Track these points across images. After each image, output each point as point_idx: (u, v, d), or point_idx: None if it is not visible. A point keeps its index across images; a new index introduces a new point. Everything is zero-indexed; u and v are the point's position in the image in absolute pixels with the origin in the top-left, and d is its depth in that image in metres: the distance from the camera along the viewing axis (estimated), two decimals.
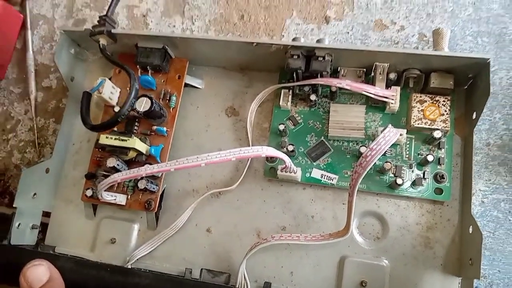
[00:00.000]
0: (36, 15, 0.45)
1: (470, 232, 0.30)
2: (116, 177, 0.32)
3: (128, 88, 0.37)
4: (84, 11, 0.44)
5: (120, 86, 0.38)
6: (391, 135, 0.28)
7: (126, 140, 0.34)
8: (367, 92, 0.32)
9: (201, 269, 0.32)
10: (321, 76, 0.33)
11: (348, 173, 0.33)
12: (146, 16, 0.42)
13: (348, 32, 0.38)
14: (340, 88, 0.33)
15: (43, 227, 0.38)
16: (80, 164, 0.39)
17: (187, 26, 0.41)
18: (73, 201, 0.38)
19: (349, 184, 0.29)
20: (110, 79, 0.37)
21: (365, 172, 0.28)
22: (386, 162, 0.32)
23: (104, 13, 0.36)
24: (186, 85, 0.38)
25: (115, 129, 0.36)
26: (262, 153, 0.30)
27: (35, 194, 0.36)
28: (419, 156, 0.33)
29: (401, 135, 0.31)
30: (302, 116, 0.35)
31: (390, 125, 0.29)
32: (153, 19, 0.42)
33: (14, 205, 0.34)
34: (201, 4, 0.41)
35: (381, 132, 0.29)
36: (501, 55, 0.36)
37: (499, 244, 0.33)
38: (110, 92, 0.36)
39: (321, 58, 0.32)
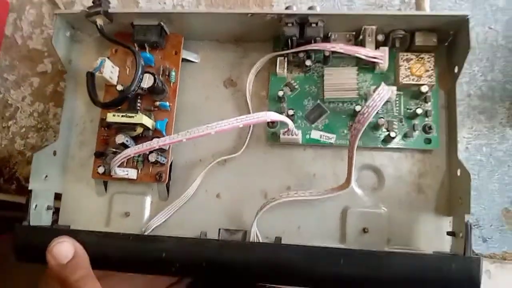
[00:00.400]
0: (22, 0, 0.44)
1: (458, 174, 0.33)
2: (129, 151, 0.33)
3: (126, 67, 0.39)
4: None
5: (118, 65, 0.39)
6: (384, 92, 0.31)
7: (133, 117, 0.35)
8: (360, 54, 0.34)
9: (219, 228, 0.35)
10: (315, 41, 0.35)
11: (345, 131, 0.36)
12: None
13: None
14: (333, 52, 0.36)
15: (55, 210, 0.39)
16: (85, 144, 0.40)
17: (177, 2, 0.42)
18: (83, 180, 0.39)
19: (349, 141, 0.32)
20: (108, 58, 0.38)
21: (363, 128, 0.30)
22: (379, 118, 0.34)
23: None
24: (183, 60, 0.39)
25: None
26: (267, 117, 0.33)
27: (46, 176, 0.37)
28: (408, 110, 0.36)
29: (392, 92, 0.34)
30: (298, 82, 0.37)
31: (383, 83, 0.31)
32: None
33: (29, 188, 0.35)
34: None
35: (374, 90, 0.32)
36: (476, 12, 0.38)
37: (483, 185, 0.36)
38: (110, 71, 0.37)
39: (314, 24, 0.34)
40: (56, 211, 0.39)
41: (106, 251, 0.32)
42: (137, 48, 0.38)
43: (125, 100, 0.33)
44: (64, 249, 0.30)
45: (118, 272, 0.34)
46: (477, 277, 0.28)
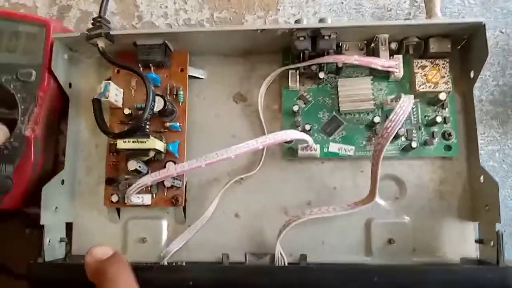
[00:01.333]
0: (15, 4, 0.42)
1: (482, 181, 0.33)
2: (146, 180, 0.32)
3: (131, 88, 0.38)
4: None
5: (121, 86, 0.37)
6: (406, 104, 0.30)
7: (145, 142, 0.33)
8: (375, 65, 0.34)
9: (245, 253, 0.34)
10: (327, 54, 0.34)
11: (363, 142, 0.35)
12: None
13: (342, 2, 0.39)
14: (345, 63, 0.35)
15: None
16: (92, 169, 0.38)
17: (180, 6, 0.40)
18: (93, 208, 0.38)
19: (373, 155, 0.31)
20: (109, 79, 0.36)
21: (388, 143, 0.30)
22: (399, 128, 0.34)
23: (91, 7, 0.35)
24: (189, 77, 0.38)
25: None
26: (287, 137, 0.32)
27: (56, 207, 0.35)
28: (426, 117, 0.35)
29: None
30: (311, 94, 0.37)
31: (403, 95, 0.31)
32: (143, 1, 0.41)
33: (41, 223, 0.33)
34: None
35: (391, 100, 0.31)
36: (487, 16, 0.38)
37: None
38: (115, 94, 0.36)
39: (327, 37, 0.33)
40: (69, 240, 0.37)
41: None
42: (141, 69, 0.37)
43: (140, 128, 0.32)
44: (103, 249, 0.30)
45: None
46: None
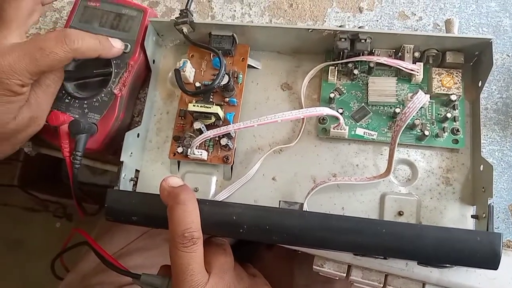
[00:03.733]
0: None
1: (481, 169, 0.40)
2: (209, 133, 0.40)
3: (201, 69, 0.47)
4: None
5: (194, 67, 0.46)
6: (422, 96, 0.38)
7: (210, 107, 0.42)
8: (400, 66, 0.42)
9: (279, 200, 0.41)
10: (363, 54, 0.43)
11: (385, 130, 0.43)
12: (211, 1, 0.51)
13: (377, 20, 0.48)
14: (376, 64, 0.43)
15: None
16: (162, 131, 0.47)
17: (245, 11, 0.50)
18: (158, 160, 0.46)
19: (392, 135, 0.39)
20: None
21: (405, 125, 0.37)
22: (416, 119, 0.41)
23: (175, 4, 0.45)
24: (248, 66, 0.47)
25: (193, 100, 0.45)
26: (323, 111, 0.40)
27: (131, 153, 0.44)
28: (439, 115, 0.43)
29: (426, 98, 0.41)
30: (345, 87, 0.45)
31: (420, 90, 0.39)
32: (216, 4, 0.51)
33: (121, 159, 0.42)
34: None
35: (411, 96, 0.39)
36: (497, 42, 0.46)
37: (494, 183, 0.42)
38: (189, 71, 0.45)
39: (363, 40, 0.42)
40: (135, 183, 0.46)
41: None
42: (212, 54, 0.46)
43: (210, 91, 0.41)
44: (176, 179, 0.37)
45: None
46: (498, 249, 0.34)
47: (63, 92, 0.45)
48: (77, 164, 0.43)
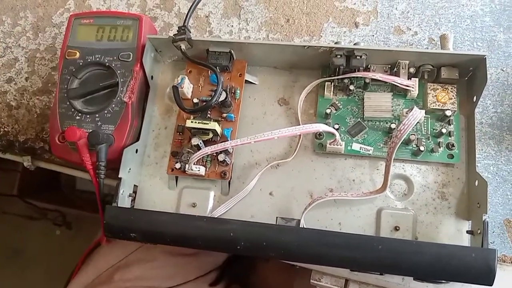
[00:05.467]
0: None
1: (476, 185, 0.40)
2: (207, 150, 0.41)
3: (199, 85, 0.47)
4: (155, 11, 0.53)
5: (192, 83, 0.47)
6: (417, 113, 0.38)
7: (208, 123, 0.43)
8: (395, 82, 0.42)
9: (276, 216, 0.42)
10: (358, 70, 0.43)
11: (381, 145, 0.43)
12: (208, 17, 0.52)
13: (373, 35, 0.49)
14: (372, 80, 0.44)
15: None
16: (160, 146, 0.48)
17: (242, 26, 0.51)
18: (157, 176, 0.47)
19: (387, 152, 0.39)
20: None
21: (400, 142, 0.38)
22: (411, 134, 0.42)
23: (173, 20, 0.45)
24: (245, 81, 0.48)
25: (191, 116, 0.45)
26: (319, 128, 0.40)
27: (130, 169, 0.45)
28: (434, 130, 0.43)
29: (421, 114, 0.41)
30: (342, 102, 0.45)
31: (415, 106, 0.39)
32: (214, 20, 0.52)
33: (119, 176, 0.42)
34: (254, 9, 0.52)
35: (406, 112, 0.39)
36: (491, 56, 0.46)
37: (489, 197, 0.42)
38: (187, 87, 0.46)
39: (359, 57, 0.42)
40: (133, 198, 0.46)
41: (184, 230, 0.39)
42: (209, 71, 0.47)
43: (208, 108, 0.41)
44: None
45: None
46: (493, 265, 0.34)
47: (72, 110, 0.46)
48: (102, 174, 0.43)
